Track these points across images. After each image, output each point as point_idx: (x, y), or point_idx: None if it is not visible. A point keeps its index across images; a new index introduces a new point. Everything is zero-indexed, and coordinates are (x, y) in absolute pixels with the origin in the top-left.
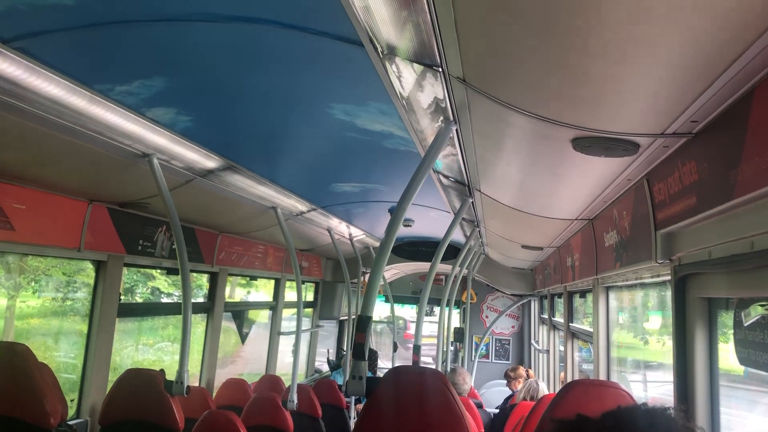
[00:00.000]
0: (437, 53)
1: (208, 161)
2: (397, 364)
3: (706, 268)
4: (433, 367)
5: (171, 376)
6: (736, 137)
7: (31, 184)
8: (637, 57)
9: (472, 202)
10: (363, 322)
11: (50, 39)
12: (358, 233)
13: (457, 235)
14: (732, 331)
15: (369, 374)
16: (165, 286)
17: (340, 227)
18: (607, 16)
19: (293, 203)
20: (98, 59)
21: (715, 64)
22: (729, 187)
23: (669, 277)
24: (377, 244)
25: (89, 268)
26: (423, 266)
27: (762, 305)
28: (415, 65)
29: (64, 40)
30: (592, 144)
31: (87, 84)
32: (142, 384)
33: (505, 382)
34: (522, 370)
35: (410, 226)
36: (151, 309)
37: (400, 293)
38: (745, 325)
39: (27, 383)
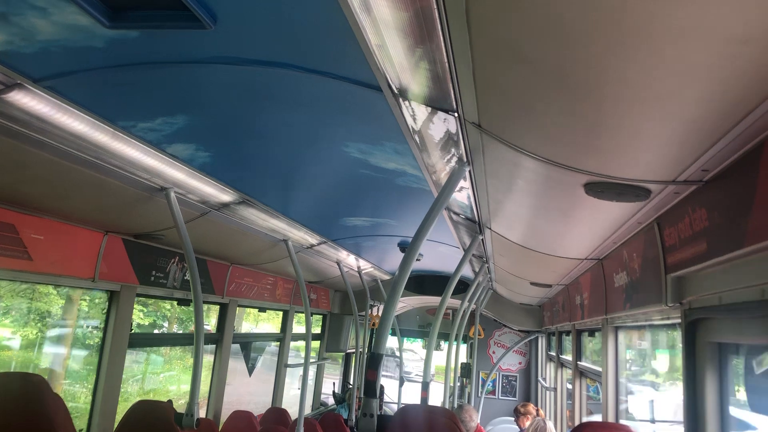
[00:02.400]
0: (454, 99)
1: (223, 195)
2: (403, 400)
3: (716, 314)
4: (439, 401)
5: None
6: (747, 187)
7: (50, 215)
8: (652, 111)
9: (482, 239)
10: (375, 360)
11: (78, 78)
12: (366, 266)
13: (466, 270)
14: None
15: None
16: (140, 317)
17: (349, 260)
18: (623, 73)
19: (304, 236)
20: (123, 97)
21: (727, 118)
22: (740, 235)
23: (679, 320)
24: (386, 277)
25: (52, 293)
26: (429, 300)
27: None
28: (432, 109)
29: (91, 79)
30: (604, 189)
31: (111, 120)
32: (152, 416)
33: (513, 418)
34: (531, 408)
35: (419, 260)
36: (162, 339)
37: (406, 327)
38: (757, 372)
39: (42, 414)
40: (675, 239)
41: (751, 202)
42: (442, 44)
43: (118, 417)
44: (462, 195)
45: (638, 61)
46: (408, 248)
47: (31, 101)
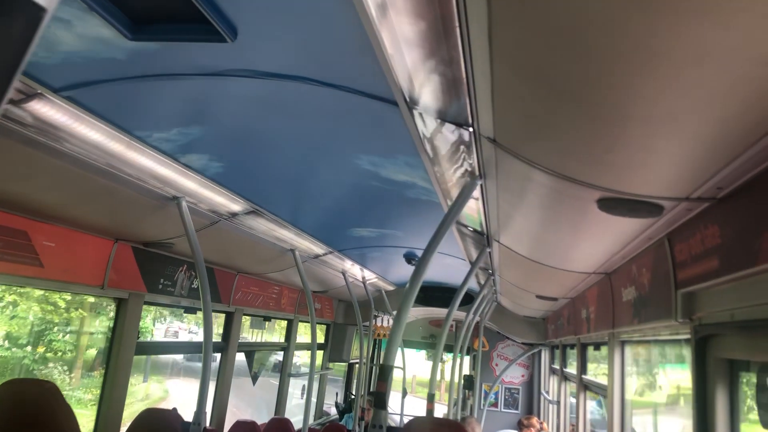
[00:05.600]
0: (470, 114)
1: (233, 204)
2: (406, 411)
3: (728, 330)
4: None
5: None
6: (762, 204)
7: (62, 222)
8: (669, 129)
9: (489, 252)
10: (385, 372)
11: (98, 89)
12: (371, 277)
13: (471, 282)
14: (754, 393)
15: None
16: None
17: (354, 270)
18: (642, 92)
19: (311, 246)
20: (141, 108)
21: (746, 138)
22: (753, 253)
23: (688, 336)
24: (390, 287)
25: None
26: (433, 311)
27: None
28: (446, 123)
29: (111, 90)
30: (617, 205)
31: (127, 130)
32: (159, 424)
33: (517, 430)
34: (535, 421)
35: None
36: (168, 348)
37: (409, 338)
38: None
39: (51, 423)
40: (686, 255)
41: (765, 220)
42: (462, 60)
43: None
44: (471, 208)
45: (658, 81)
46: (419, 261)
47: (49, 111)
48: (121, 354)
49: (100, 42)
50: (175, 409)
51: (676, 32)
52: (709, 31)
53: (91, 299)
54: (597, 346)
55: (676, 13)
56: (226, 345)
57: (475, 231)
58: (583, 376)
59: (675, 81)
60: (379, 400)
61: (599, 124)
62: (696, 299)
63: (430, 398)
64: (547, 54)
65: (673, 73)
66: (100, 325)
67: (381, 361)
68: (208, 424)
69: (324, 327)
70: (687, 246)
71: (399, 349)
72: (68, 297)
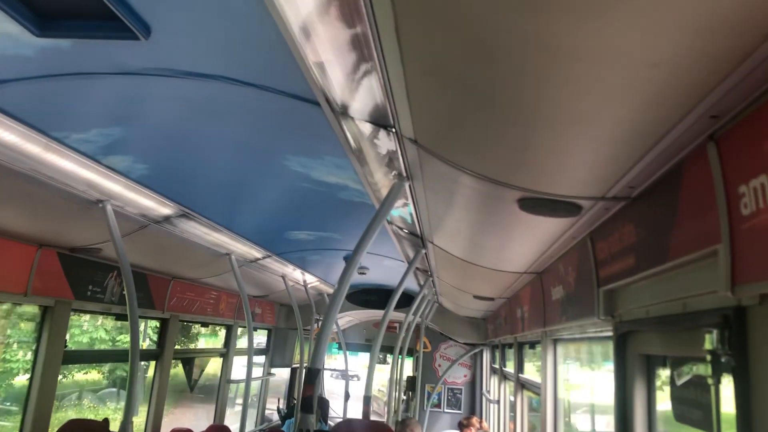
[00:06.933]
0: (390, 115)
1: (163, 208)
2: (349, 414)
3: (643, 327)
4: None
5: None
6: (670, 204)
7: None
8: (577, 130)
9: (425, 253)
10: (312, 375)
11: (6, 87)
12: (312, 280)
13: (411, 284)
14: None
15: (321, 424)
16: None
17: (295, 274)
18: (547, 93)
19: (248, 250)
20: (56, 108)
21: (647, 138)
22: (663, 250)
23: (611, 333)
24: (331, 290)
25: None
26: (377, 314)
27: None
28: (370, 125)
29: (21, 88)
30: (537, 205)
31: (43, 131)
32: None
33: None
34: (475, 420)
35: (365, 273)
36: (98, 356)
37: (353, 341)
38: (678, 384)
39: None
40: (606, 253)
41: (673, 218)
42: (377, 61)
43: None
44: (404, 209)
45: (560, 82)
46: (348, 261)
47: None
48: (47, 364)
49: (6, 38)
50: (106, 420)
51: (571, 32)
52: (602, 33)
53: None
54: (532, 345)
55: (570, 13)
56: (161, 352)
57: (410, 233)
58: (520, 375)
59: (575, 81)
60: (306, 404)
61: (511, 125)
62: (616, 297)
63: (366, 401)
64: (451, 58)
65: (571, 74)
66: None
67: (309, 365)
68: None
69: (266, 332)
70: (607, 244)
71: (342, 354)
72: None
